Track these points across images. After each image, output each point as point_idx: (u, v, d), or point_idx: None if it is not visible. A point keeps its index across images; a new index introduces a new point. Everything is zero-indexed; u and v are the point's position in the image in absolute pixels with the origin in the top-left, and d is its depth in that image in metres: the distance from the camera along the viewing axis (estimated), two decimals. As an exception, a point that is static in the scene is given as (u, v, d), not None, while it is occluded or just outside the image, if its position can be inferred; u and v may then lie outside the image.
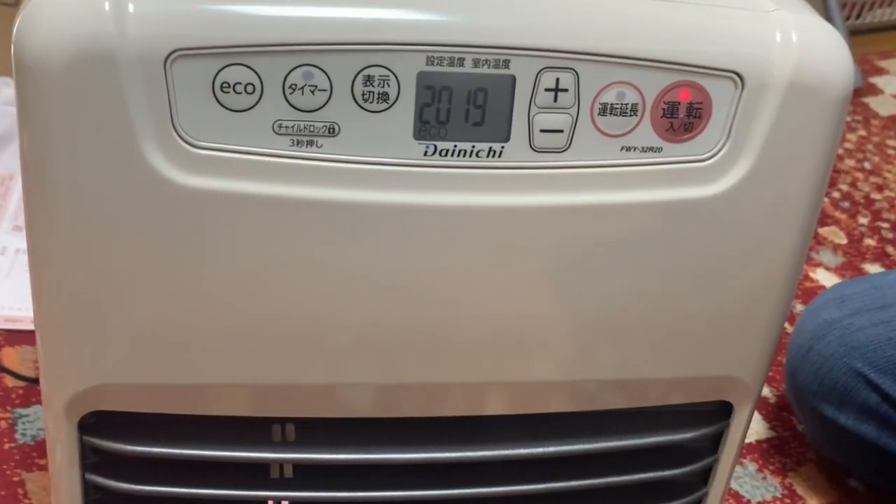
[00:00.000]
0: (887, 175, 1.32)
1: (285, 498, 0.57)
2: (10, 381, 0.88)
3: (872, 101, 1.47)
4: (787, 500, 0.87)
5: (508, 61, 0.46)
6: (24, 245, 0.78)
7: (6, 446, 0.83)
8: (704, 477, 0.61)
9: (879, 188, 1.29)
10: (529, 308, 0.52)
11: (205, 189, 0.46)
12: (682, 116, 0.48)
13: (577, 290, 0.52)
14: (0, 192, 1.05)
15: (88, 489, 0.55)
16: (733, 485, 0.87)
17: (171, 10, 0.44)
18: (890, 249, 1.19)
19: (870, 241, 1.20)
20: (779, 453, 0.91)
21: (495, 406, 0.55)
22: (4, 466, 0.81)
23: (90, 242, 0.47)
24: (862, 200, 1.27)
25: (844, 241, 1.19)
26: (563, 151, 0.48)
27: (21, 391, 0.87)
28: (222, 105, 0.45)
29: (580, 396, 0.56)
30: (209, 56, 0.44)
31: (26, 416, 0.85)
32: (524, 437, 0.57)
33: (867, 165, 1.34)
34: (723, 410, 0.59)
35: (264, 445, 0.55)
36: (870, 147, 1.37)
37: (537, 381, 0.54)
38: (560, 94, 0.47)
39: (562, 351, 0.53)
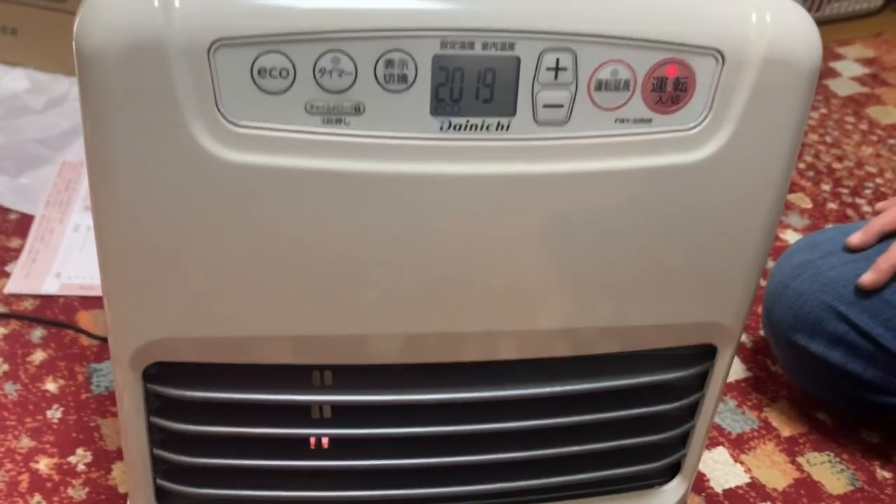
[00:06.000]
0: (846, 147, 1.29)
1: (325, 435, 0.57)
2: (85, 341, 0.88)
3: (832, 83, 1.44)
4: (764, 432, 0.86)
5: (513, 44, 0.44)
6: (93, 222, 0.77)
7: (83, 396, 0.82)
8: (692, 411, 0.60)
9: (839, 159, 1.27)
10: (535, 265, 0.50)
11: (246, 163, 0.45)
12: (669, 90, 0.47)
13: (577, 249, 0.50)
14: (73, 178, 1.04)
15: (153, 430, 0.54)
16: (716, 419, 0.86)
17: (213, 4, 0.42)
18: (850, 212, 1.17)
19: (832, 205, 1.18)
20: (755, 391, 0.90)
21: (507, 352, 0.54)
22: (82, 414, 0.81)
23: (147, 213, 0.46)
24: (825, 170, 1.25)
25: (810, 205, 1.17)
26: (563, 124, 0.47)
27: (95, 349, 0.87)
28: (260, 88, 0.44)
29: (581, 342, 0.55)
30: (247, 45, 0.43)
31: (100, 370, 0.85)
32: (533, 380, 0.56)
33: (828, 139, 1.31)
34: (708, 352, 0.57)
35: (305, 389, 0.54)
36: (830, 123, 1.35)
37: (543, 330, 0.53)
38: (560, 73, 0.45)
39: (564, 302, 0.52)
